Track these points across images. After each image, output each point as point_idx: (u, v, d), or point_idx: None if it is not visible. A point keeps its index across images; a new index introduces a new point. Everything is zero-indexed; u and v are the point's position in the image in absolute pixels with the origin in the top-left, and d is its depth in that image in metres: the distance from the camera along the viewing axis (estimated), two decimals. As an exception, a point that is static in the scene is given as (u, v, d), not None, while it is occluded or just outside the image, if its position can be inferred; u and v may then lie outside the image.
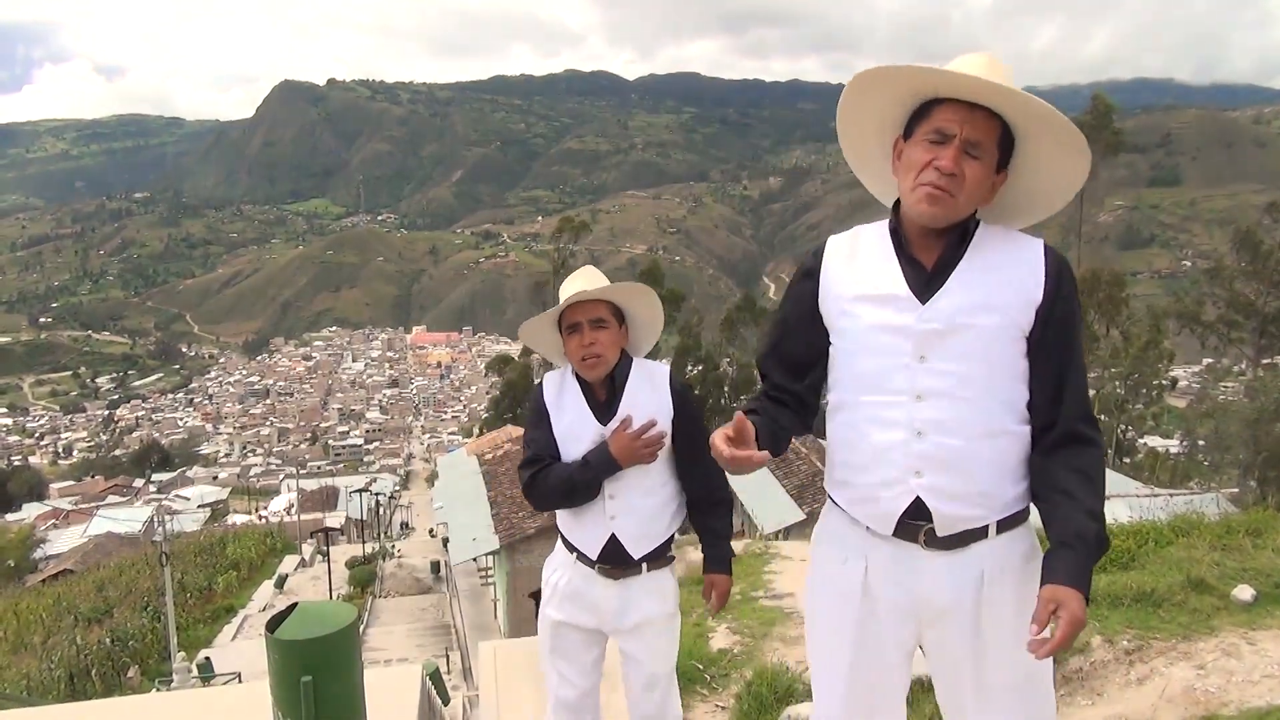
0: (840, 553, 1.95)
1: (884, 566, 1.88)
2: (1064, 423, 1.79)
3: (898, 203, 1.90)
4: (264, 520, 41.50)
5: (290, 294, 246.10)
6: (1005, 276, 1.80)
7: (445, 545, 25.37)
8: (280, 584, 24.33)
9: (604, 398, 2.53)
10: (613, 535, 2.52)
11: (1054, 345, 1.80)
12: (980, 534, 1.82)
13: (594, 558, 2.54)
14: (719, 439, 1.72)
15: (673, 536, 2.62)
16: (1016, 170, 1.84)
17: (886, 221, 1.93)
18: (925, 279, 1.83)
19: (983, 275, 1.80)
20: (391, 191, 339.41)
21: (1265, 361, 30.15)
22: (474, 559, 20.67)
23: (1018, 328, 1.78)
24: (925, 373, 1.80)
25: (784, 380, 1.98)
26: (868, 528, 1.89)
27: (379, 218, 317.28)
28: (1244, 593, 3.85)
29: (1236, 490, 17.48)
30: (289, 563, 27.99)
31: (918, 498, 1.81)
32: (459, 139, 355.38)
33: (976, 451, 1.78)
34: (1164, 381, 31.61)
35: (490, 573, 21.91)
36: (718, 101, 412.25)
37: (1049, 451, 1.80)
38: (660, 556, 2.58)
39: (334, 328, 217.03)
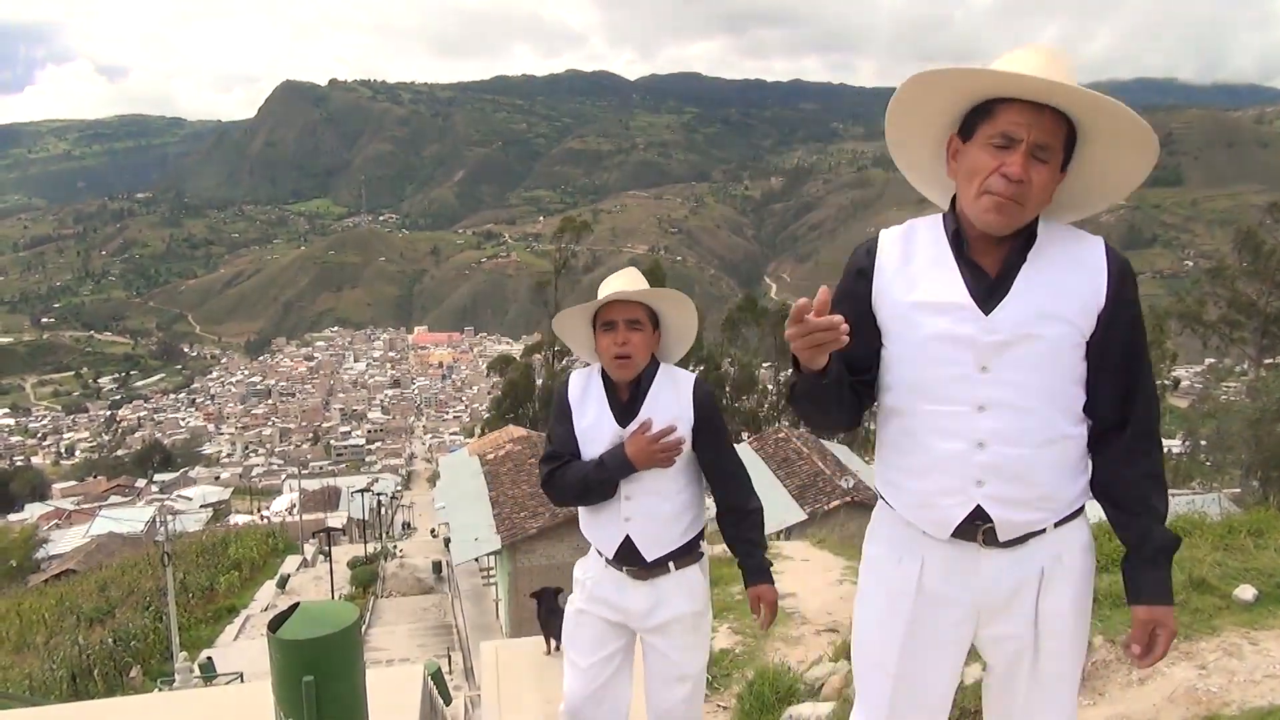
0: (894, 552, 1.92)
1: (941, 565, 1.86)
2: (1135, 425, 1.79)
3: (953, 200, 1.83)
4: (266, 520, 41.54)
5: (292, 294, 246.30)
6: (1068, 281, 1.75)
7: (447, 545, 25.37)
8: (282, 584, 24.35)
9: (626, 399, 2.54)
10: (627, 536, 2.52)
11: (1117, 349, 1.77)
12: (1039, 532, 1.81)
13: (609, 557, 2.55)
14: (802, 302, 1.61)
15: (699, 537, 2.61)
16: (1077, 167, 1.76)
17: (941, 218, 1.85)
18: (987, 287, 1.76)
19: (1045, 281, 1.75)
20: (393, 191, 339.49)
21: (1267, 361, 30.12)
22: (476, 559, 20.68)
23: (1080, 334, 1.75)
24: (987, 383, 1.75)
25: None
26: (923, 531, 1.88)
27: (381, 218, 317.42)
28: (1246, 592, 3.84)
29: (1239, 490, 17.49)
30: (291, 563, 28.01)
31: (978, 505, 1.79)
32: (460, 139, 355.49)
33: (1038, 458, 1.76)
34: (1166, 381, 31.64)
35: (492, 573, 21.92)
36: (719, 101, 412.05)
37: (1122, 458, 1.80)
38: (688, 554, 2.57)
39: (336, 328, 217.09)
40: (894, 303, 1.83)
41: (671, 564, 2.54)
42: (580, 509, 2.64)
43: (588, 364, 2.72)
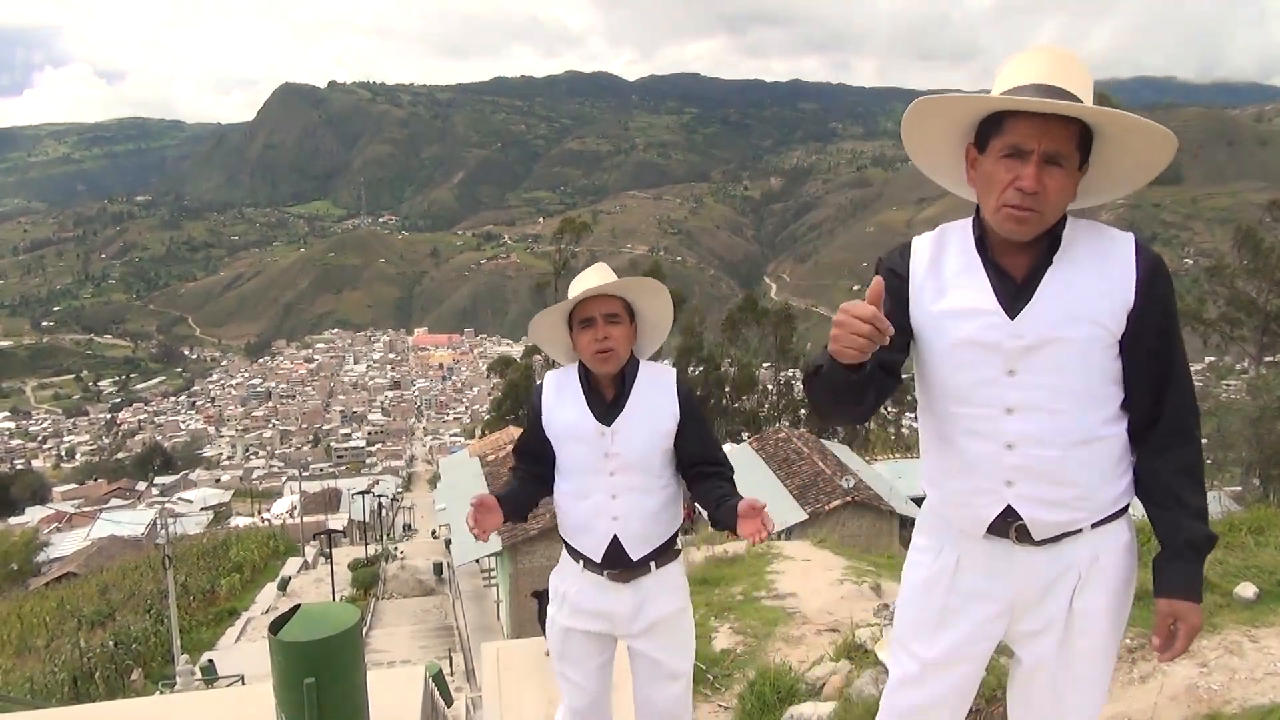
0: (935, 543, 1.97)
1: (977, 560, 1.90)
2: (1166, 422, 1.79)
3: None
4: (267, 522, 41.53)
5: (292, 296, 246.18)
6: (1096, 283, 1.75)
7: (448, 547, 25.39)
8: (283, 586, 24.34)
9: (612, 397, 2.54)
10: (614, 537, 2.52)
11: (1150, 347, 1.78)
12: (1075, 532, 1.82)
13: (598, 560, 2.54)
14: (870, 295, 1.63)
15: (676, 534, 2.63)
16: (1097, 159, 1.77)
17: (971, 222, 1.87)
18: (1014, 291, 1.78)
19: (1073, 283, 1.76)
20: (393, 193, 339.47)
21: (1267, 359, 30.09)
22: (477, 560, 20.69)
23: (1110, 334, 1.76)
24: (1015, 387, 1.77)
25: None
26: (960, 527, 1.92)
27: (380, 219, 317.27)
28: (1246, 590, 3.84)
29: (1239, 488, 17.46)
30: (292, 565, 28.00)
31: (1009, 505, 1.82)
32: (460, 140, 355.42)
33: (1070, 459, 1.77)
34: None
35: (493, 574, 21.93)
36: (718, 102, 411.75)
37: (1154, 453, 1.80)
38: (667, 552, 2.58)
39: (336, 330, 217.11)
40: (924, 309, 1.86)
41: (653, 563, 2.55)
42: (561, 513, 2.63)
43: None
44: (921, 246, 1.91)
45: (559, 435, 2.56)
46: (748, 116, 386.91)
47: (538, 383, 2.69)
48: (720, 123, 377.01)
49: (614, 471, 2.51)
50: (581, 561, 2.58)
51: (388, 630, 19.56)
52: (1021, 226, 1.72)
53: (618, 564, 2.53)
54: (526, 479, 2.62)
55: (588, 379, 2.57)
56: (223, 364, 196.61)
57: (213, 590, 24.05)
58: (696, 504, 2.61)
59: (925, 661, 1.96)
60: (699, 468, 2.56)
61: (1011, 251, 1.80)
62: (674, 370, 2.67)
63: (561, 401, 2.57)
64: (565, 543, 2.65)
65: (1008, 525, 1.83)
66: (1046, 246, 1.78)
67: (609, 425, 2.51)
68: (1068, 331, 1.74)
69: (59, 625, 21.54)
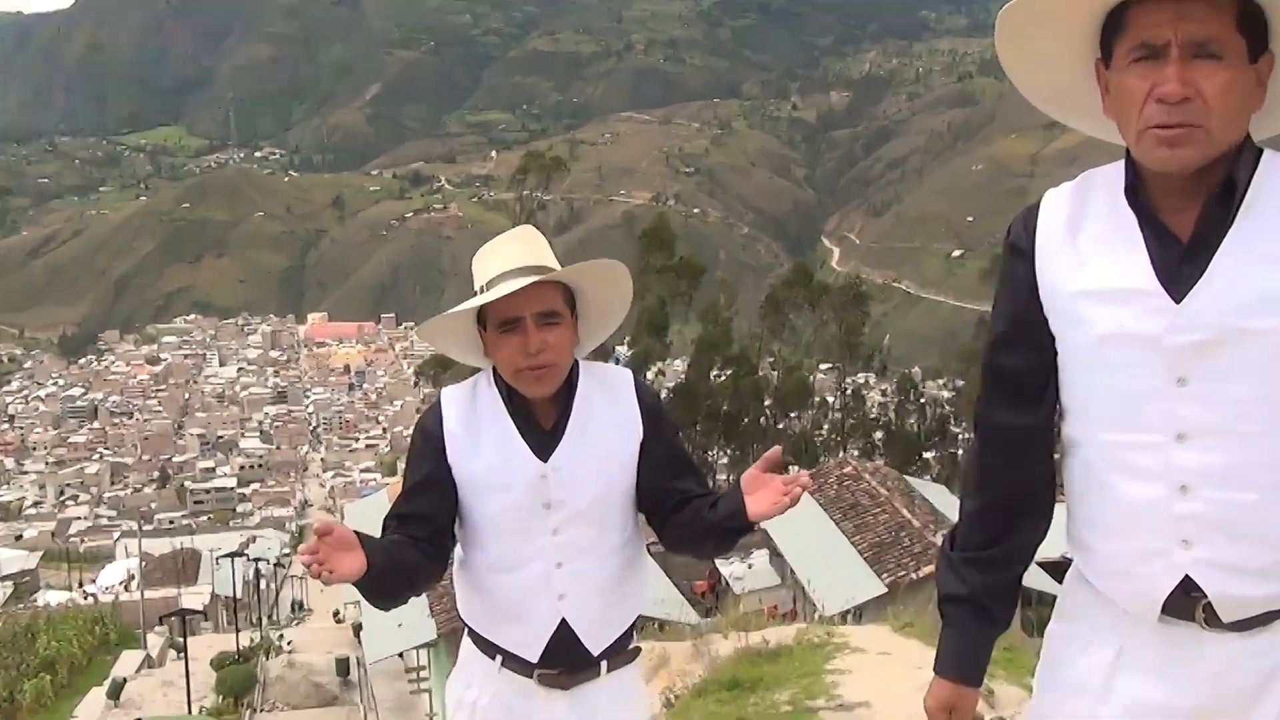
0: (1084, 631, 1.93)
1: (1146, 655, 1.84)
2: None
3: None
4: (91, 598, 41.65)
5: (128, 267, 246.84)
6: None
7: (358, 635, 25.41)
8: (115, 693, 24.36)
9: (552, 421, 2.44)
10: (563, 621, 2.42)
11: None
12: None
13: (534, 660, 2.45)
14: None
15: (635, 623, 2.59)
16: None
17: (1122, 165, 1.82)
18: (1179, 257, 1.73)
19: (1268, 245, 1.68)
20: (275, 116, 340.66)
21: None
22: (400, 654, 20.68)
23: None
24: (1187, 401, 1.72)
25: (1012, 417, 1.92)
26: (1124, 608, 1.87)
27: (257, 154, 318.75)
28: None
29: None
30: (128, 661, 28.05)
31: (1187, 575, 1.76)
32: (374, 39, 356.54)
33: (1272, 506, 1.71)
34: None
35: (424, 673, 21.96)
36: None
37: None
38: (623, 650, 2.52)
39: (193, 316, 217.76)
40: (1057, 291, 1.84)
41: (604, 663, 2.47)
42: (474, 596, 2.53)
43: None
44: (1055, 203, 1.88)
45: (475, 485, 2.43)
46: (797, 2, 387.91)
47: (430, 406, 2.56)
48: (757, 10, 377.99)
49: (558, 528, 2.41)
50: (500, 658, 2.47)
51: (270, 758, 19.61)
52: (1176, 151, 1.66)
53: (557, 663, 2.44)
54: (407, 545, 2.40)
55: (512, 398, 2.44)
56: (26, 365, 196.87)
57: (12, 700, 24.07)
58: (677, 546, 2.56)
59: None
60: (669, 500, 2.47)
61: (1174, 202, 1.75)
62: (630, 373, 2.62)
63: (475, 434, 2.44)
64: (474, 635, 2.54)
65: (1192, 603, 1.76)
66: (1223, 190, 1.72)
67: (547, 461, 2.41)
68: (1262, 320, 1.67)
69: None
